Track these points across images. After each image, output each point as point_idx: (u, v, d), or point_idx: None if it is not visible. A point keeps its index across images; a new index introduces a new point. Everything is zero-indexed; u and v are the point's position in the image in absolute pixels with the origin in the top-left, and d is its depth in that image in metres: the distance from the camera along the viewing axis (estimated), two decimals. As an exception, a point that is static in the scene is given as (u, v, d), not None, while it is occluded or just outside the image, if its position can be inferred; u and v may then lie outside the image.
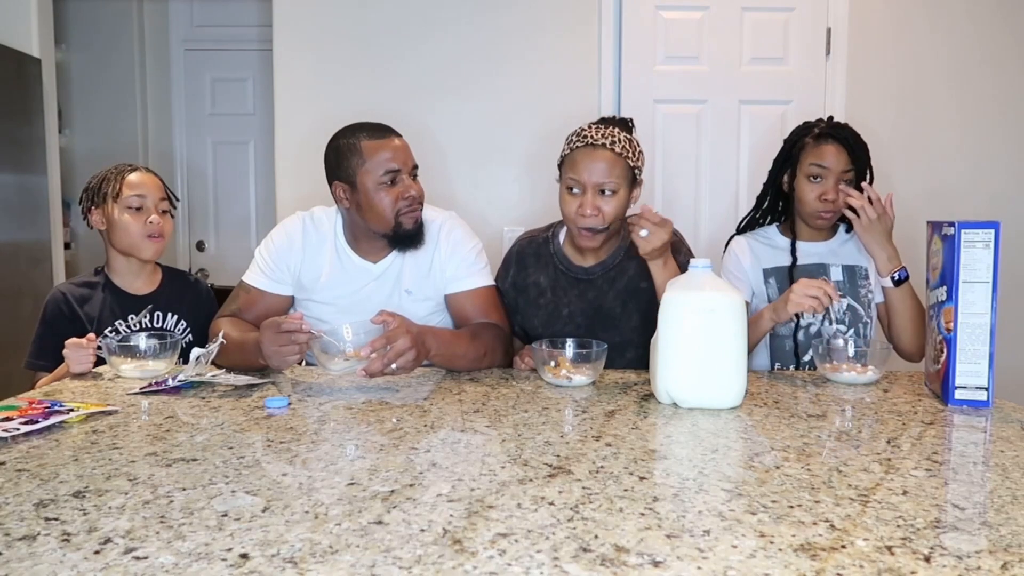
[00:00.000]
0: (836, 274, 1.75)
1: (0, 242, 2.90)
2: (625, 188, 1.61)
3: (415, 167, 1.68)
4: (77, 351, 1.53)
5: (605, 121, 1.69)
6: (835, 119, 1.79)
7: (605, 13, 2.79)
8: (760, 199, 1.87)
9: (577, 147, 1.61)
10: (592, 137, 1.59)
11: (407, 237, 1.67)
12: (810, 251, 1.77)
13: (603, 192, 1.58)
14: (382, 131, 1.65)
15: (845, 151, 1.70)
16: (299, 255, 1.71)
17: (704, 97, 2.85)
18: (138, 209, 1.74)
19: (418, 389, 1.42)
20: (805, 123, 1.79)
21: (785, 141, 1.81)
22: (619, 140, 1.59)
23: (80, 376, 1.53)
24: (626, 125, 1.68)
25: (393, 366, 1.39)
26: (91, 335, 1.57)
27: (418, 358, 1.44)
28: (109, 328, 1.71)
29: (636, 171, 1.63)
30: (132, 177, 1.76)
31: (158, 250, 1.78)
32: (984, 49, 2.83)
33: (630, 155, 1.60)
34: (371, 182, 1.61)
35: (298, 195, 2.81)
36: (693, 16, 2.82)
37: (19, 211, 3.00)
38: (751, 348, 1.55)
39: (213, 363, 1.52)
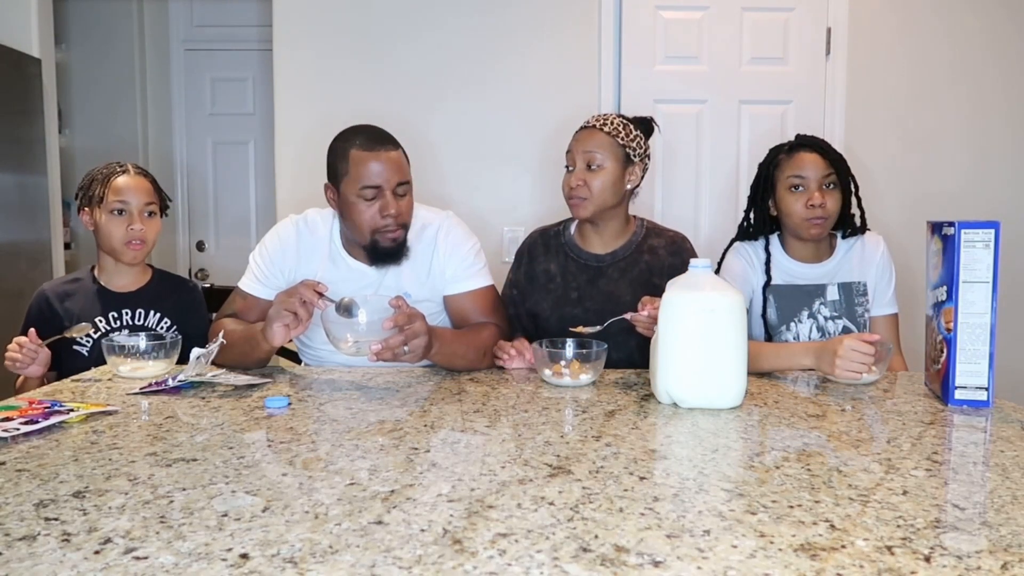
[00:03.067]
0: (832, 294, 1.74)
1: (0, 242, 2.90)
2: (614, 164, 1.72)
3: (402, 183, 1.60)
4: (15, 356, 1.60)
5: (623, 117, 1.80)
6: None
7: (605, 13, 2.79)
8: (743, 225, 1.86)
9: (576, 132, 1.77)
10: (588, 121, 1.76)
11: (383, 254, 1.64)
12: (808, 273, 1.76)
13: (590, 166, 1.71)
14: (376, 142, 1.59)
15: (820, 156, 1.70)
16: (293, 259, 1.69)
17: (704, 97, 2.85)
18: (121, 213, 1.73)
19: (418, 389, 1.42)
20: (776, 145, 1.81)
21: (759, 166, 1.81)
22: (611, 121, 1.74)
23: (40, 375, 1.62)
24: (643, 123, 1.80)
25: (406, 348, 1.40)
26: (33, 331, 1.61)
27: (427, 349, 1.44)
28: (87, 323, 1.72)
29: (628, 151, 1.73)
30: (118, 181, 1.74)
31: (137, 256, 1.76)
32: (985, 49, 2.83)
33: (620, 135, 1.72)
34: (352, 193, 1.58)
35: (298, 195, 2.81)
36: (693, 16, 2.82)
37: (19, 211, 3.00)
38: (773, 369, 1.54)
39: (213, 363, 1.52)
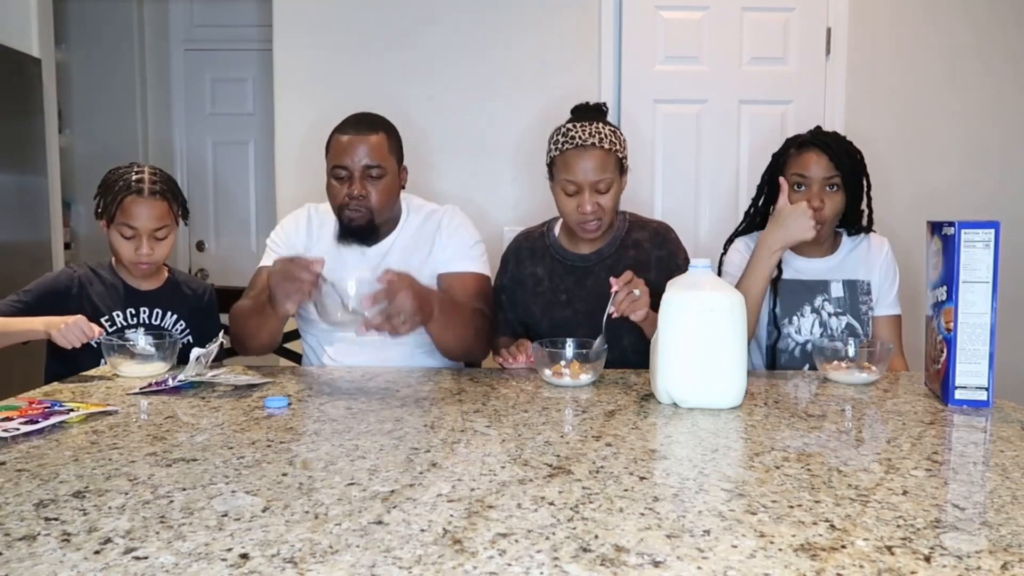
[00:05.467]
0: (837, 290, 1.74)
1: (0, 242, 2.89)
2: (618, 179, 1.68)
3: (372, 167, 1.65)
4: (72, 332, 1.49)
5: (581, 112, 1.72)
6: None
7: (605, 13, 2.79)
8: (748, 213, 1.85)
9: (567, 148, 1.65)
10: (580, 137, 1.63)
11: (348, 231, 1.72)
12: (812, 267, 1.76)
13: (599, 189, 1.64)
14: (356, 125, 1.68)
15: (826, 157, 1.68)
16: (304, 239, 1.78)
17: (704, 97, 2.85)
18: (130, 238, 1.69)
19: (418, 389, 1.42)
20: (793, 136, 1.78)
21: (773, 156, 1.80)
22: (606, 136, 1.64)
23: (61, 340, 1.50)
24: (602, 112, 1.73)
25: (396, 323, 1.40)
26: (98, 329, 1.54)
27: (420, 314, 1.43)
28: (105, 318, 1.70)
29: (624, 160, 1.69)
30: (129, 205, 1.67)
31: (145, 273, 1.74)
32: (984, 49, 2.83)
33: (618, 148, 1.66)
34: (328, 172, 1.70)
35: (298, 194, 2.81)
36: (693, 16, 2.82)
37: (19, 211, 3.00)
38: (758, 301, 1.52)
39: (215, 360, 1.52)
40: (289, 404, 1.29)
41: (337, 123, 1.73)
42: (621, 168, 1.68)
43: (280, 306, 1.44)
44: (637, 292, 1.45)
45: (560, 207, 1.70)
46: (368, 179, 1.66)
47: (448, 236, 1.76)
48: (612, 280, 1.46)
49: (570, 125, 1.67)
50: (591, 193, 1.64)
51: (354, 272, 1.60)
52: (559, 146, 1.66)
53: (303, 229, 1.79)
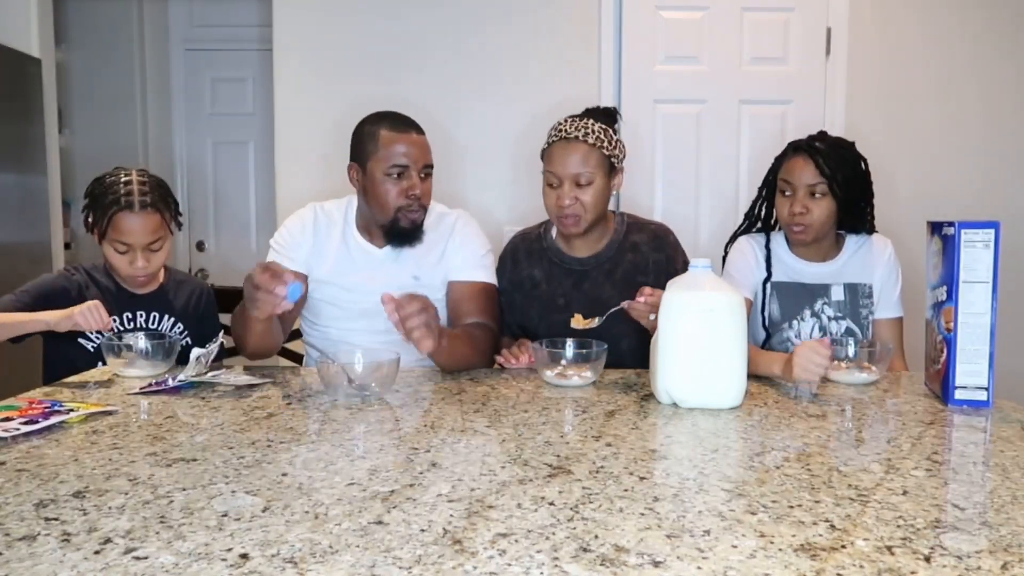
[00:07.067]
0: (837, 293, 1.73)
1: (0, 242, 2.89)
2: (602, 177, 1.67)
3: (427, 167, 1.70)
4: (93, 314, 1.51)
5: (589, 113, 1.74)
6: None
7: (605, 13, 2.79)
8: (749, 214, 1.84)
9: (553, 141, 1.68)
10: (566, 131, 1.66)
11: (402, 233, 1.70)
12: (812, 271, 1.75)
13: (579, 183, 1.65)
14: (404, 124, 1.69)
15: (812, 164, 1.65)
16: (310, 240, 1.75)
17: (704, 97, 2.85)
18: (124, 253, 1.67)
19: (418, 389, 1.42)
20: (796, 139, 1.75)
21: (775, 159, 1.79)
22: (593, 131, 1.65)
23: (76, 325, 1.51)
24: (609, 115, 1.74)
25: (412, 323, 1.34)
26: (108, 321, 1.55)
27: (430, 318, 1.38)
28: None
29: (613, 159, 1.68)
30: (121, 221, 1.64)
31: (143, 284, 1.73)
32: (986, 48, 2.83)
33: (605, 145, 1.66)
34: (379, 172, 1.66)
35: (298, 195, 2.80)
36: (693, 16, 2.82)
37: (19, 211, 3.00)
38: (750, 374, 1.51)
39: (215, 360, 1.52)
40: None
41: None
42: (610, 167, 1.68)
43: (251, 312, 1.42)
44: (652, 318, 1.44)
45: (544, 200, 1.72)
46: (421, 178, 1.68)
47: (460, 243, 1.75)
48: (633, 302, 1.45)
49: (563, 119, 1.70)
50: (571, 186, 1.65)
51: (354, 294, 1.60)
52: (549, 139, 1.70)
53: (310, 230, 1.75)
